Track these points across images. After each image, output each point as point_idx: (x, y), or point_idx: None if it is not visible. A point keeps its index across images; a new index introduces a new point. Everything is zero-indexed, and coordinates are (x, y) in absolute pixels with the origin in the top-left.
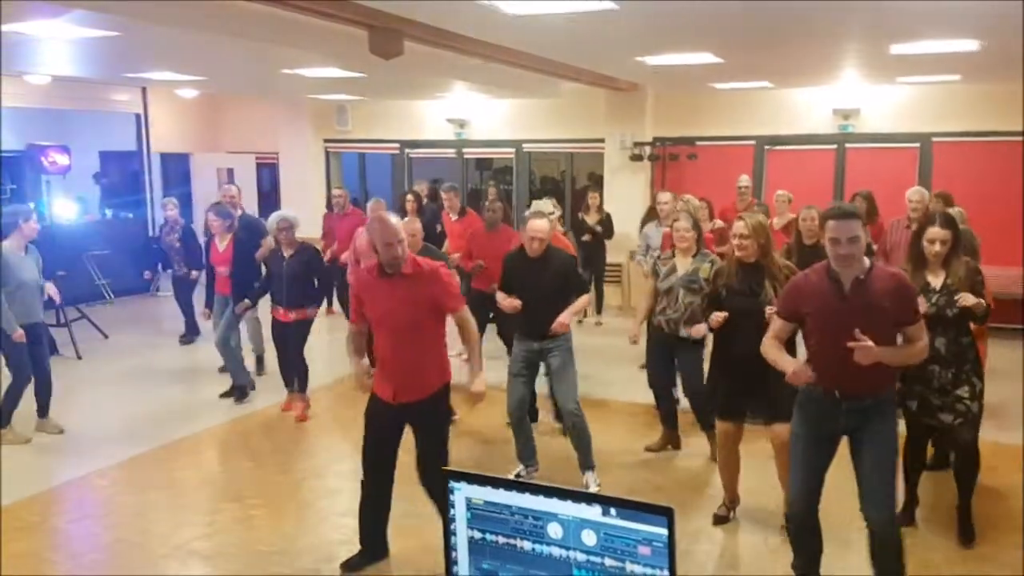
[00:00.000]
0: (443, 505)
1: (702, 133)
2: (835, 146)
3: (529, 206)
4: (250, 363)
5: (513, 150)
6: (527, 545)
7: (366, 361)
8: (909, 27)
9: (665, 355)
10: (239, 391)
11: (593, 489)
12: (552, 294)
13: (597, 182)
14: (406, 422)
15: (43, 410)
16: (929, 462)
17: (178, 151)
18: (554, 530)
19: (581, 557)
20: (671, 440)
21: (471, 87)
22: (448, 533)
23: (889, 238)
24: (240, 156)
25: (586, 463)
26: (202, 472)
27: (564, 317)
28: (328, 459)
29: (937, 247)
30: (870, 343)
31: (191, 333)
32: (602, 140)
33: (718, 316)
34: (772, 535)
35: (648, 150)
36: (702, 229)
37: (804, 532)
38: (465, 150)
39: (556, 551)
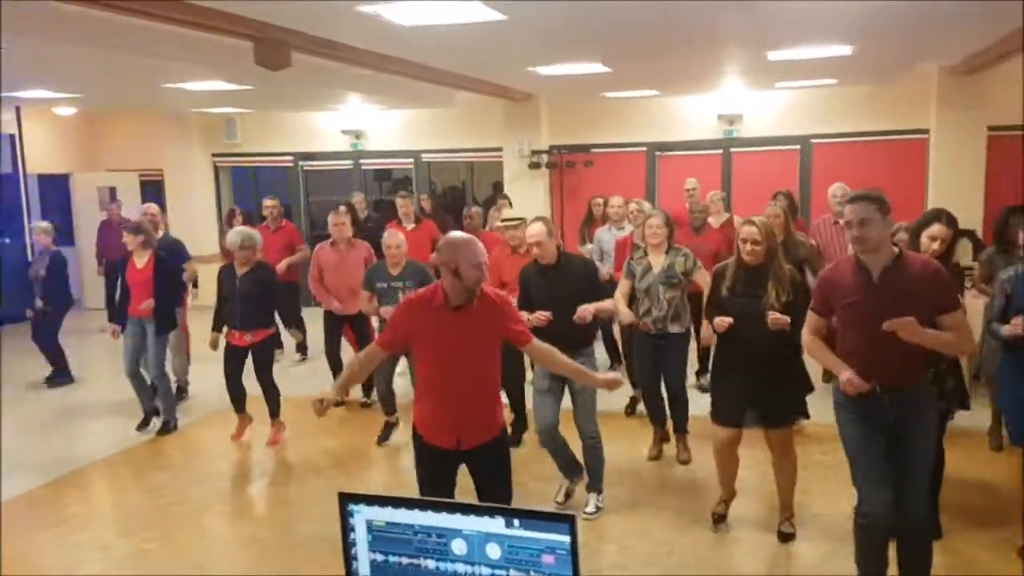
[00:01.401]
0: None
1: (596, 140)
2: (721, 150)
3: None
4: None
5: (412, 160)
6: (431, 564)
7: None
8: (784, 34)
9: (653, 356)
10: (164, 425)
11: (591, 509)
12: (575, 302)
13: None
14: (463, 464)
15: None
16: None
17: (56, 171)
18: (458, 546)
19: (486, 571)
20: (663, 438)
21: (365, 98)
22: (349, 558)
23: (818, 237)
24: (122, 174)
25: (595, 486)
26: (93, 507)
27: (589, 306)
28: (228, 485)
29: (937, 245)
30: (912, 319)
31: (63, 376)
32: (500, 149)
33: (723, 321)
34: (771, 537)
35: (546, 158)
36: (673, 227)
37: (877, 540)
38: (362, 161)
39: (461, 568)
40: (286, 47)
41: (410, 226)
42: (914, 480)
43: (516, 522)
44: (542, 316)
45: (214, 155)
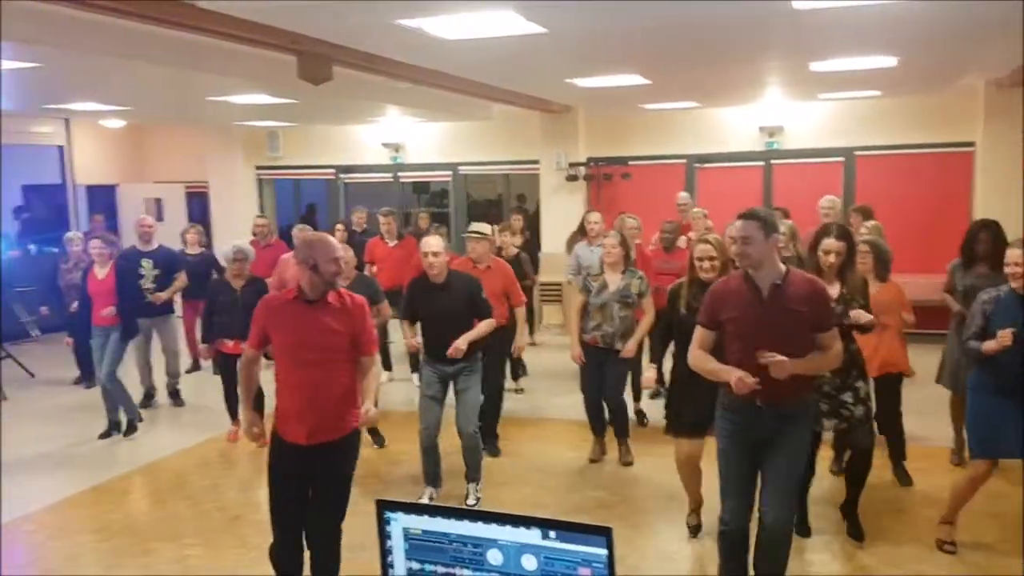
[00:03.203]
0: (324, 554)
1: (634, 153)
2: (762, 163)
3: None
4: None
5: (449, 173)
6: (467, 574)
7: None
8: (828, 44)
9: (598, 368)
10: (130, 425)
11: (472, 500)
12: (458, 316)
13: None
14: (319, 461)
15: None
16: (844, 465)
17: (104, 183)
18: (494, 557)
19: None
20: (604, 448)
21: (404, 111)
22: (385, 566)
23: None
24: (169, 186)
25: (472, 476)
26: (135, 513)
27: (460, 342)
28: (264, 493)
29: (832, 258)
30: (783, 358)
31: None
32: (537, 161)
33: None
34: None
35: (583, 170)
36: (630, 246)
37: (737, 547)
38: (401, 174)
39: None
40: (329, 61)
41: (392, 242)
42: (775, 488)
43: (553, 534)
44: (414, 344)
45: (257, 168)
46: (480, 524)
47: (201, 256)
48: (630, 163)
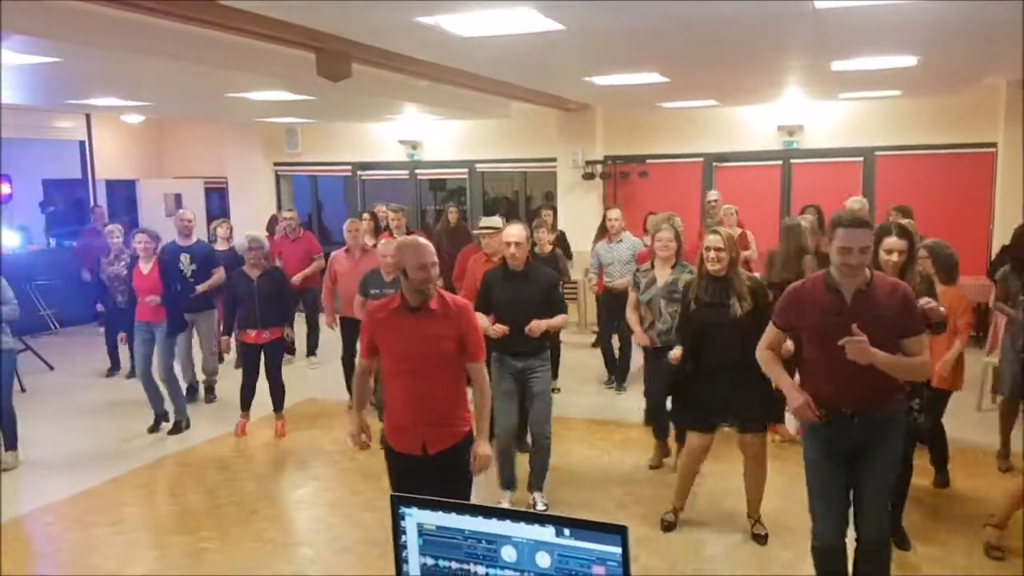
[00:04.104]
0: None
1: (652, 151)
2: (781, 162)
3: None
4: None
5: (466, 170)
6: (481, 570)
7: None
8: (849, 43)
9: (661, 369)
10: (176, 425)
11: (540, 508)
12: (537, 310)
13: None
14: (436, 472)
15: (10, 441)
16: None
17: (124, 178)
18: (508, 553)
19: None
20: (665, 452)
21: (422, 109)
22: (399, 561)
23: None
24: (188, 181)
25: (538, 484)
26: (151, 506)
27: (541, 323)
28: (281, 487)
29: (895, 257)
30: (864, 338)
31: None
32: (554, 159)
33: (675, 354)
34: (737, 536)
35: (600, 168)
36: (682, 242)
37: (831, 564)
38: (418, 171)
39: (510, 575)
40: (347, 58)
41: (399, 236)
42: (871, 502)
43: (567, 531)
44: (500, 329)
45: (276, 164)
46: (494, 521)
47: (231, 251)
48: (647, 161)
